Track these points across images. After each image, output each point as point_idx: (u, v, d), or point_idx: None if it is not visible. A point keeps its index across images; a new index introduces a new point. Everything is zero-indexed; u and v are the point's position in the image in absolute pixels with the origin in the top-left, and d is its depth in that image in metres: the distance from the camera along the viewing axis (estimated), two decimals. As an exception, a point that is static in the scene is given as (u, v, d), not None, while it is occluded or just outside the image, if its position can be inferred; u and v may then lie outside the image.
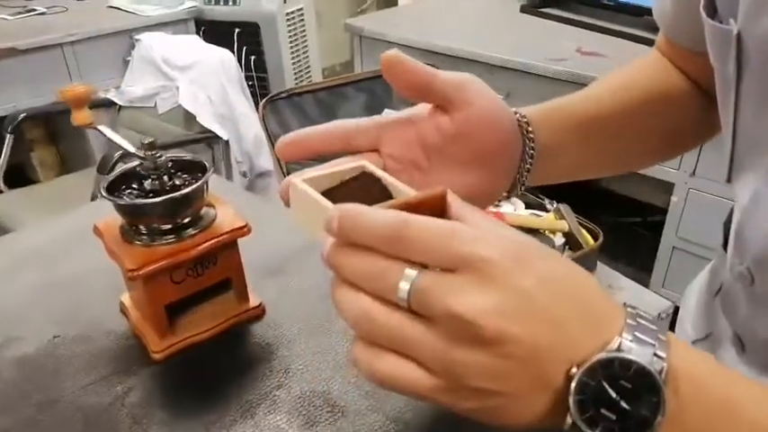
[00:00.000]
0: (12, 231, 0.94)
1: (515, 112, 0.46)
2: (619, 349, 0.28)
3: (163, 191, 0.56)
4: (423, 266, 0.29)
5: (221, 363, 0.58)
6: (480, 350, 0.28)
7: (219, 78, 2.12)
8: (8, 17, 2.40)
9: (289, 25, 2.64)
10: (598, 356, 0.28)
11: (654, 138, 0.55)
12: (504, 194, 0.48)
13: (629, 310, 0.30)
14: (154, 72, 2.18)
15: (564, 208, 1.35)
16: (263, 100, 1.35)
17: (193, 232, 0.56)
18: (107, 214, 0.58)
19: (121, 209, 0.55)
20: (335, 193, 0.38)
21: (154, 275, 0.54)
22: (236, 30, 2.57)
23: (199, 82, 2.09)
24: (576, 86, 0.53)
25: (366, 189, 0.39)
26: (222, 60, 2.13)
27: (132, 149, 0.57)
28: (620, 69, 0.57)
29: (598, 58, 1.71)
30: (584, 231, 1.34)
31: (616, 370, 0.28)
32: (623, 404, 0.28)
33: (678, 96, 0.55)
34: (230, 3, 2.57)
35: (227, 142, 2.15)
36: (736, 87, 0.43)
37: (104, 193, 0.55)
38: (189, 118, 2.10)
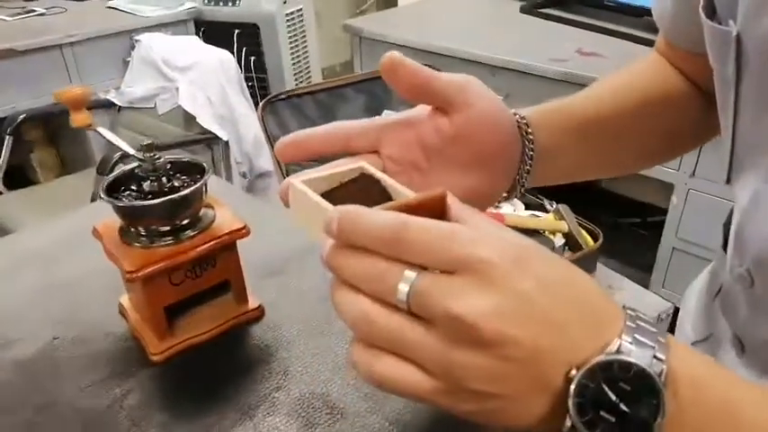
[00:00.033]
0: (12, 232, 0.94)
1: (515, 114, 0.46)
2: (618, 351, 0.28)
3: (161, 192, 0.56)
4: (422, 268, 0.29)
5: (220, 364, 0.58)
6: (479, 352, 0.28)
7: (219, 79, 2.12)
8: (7, 18, 2.40)
9: (288, 26, 2.64)
10: (597, 359, 0.28)
11: (653, 139, 0.55)
12: (504, 196, 0.48)
13: (628, 312, 0.30)
14: (153, 73, 2.19)
15: (564, 209, 1.35)
16: (262, 101, 1.35)
17: (192, 234, 0.56)
18: (107, 216, 0.57)
19: (120, 210, 0.55)
20: (335, 194, 0.38)
21: (152, 277, 0.54)
22: (236, 30, 2.56)
23: (198, 83, 2.09)
24: (576, 87, 0.53)
25: (365, 190, 0.39)
26: (222, 61, 2.14)
27: (131, 151, 0.57)
28: (620, 71, 0.57)
29: (598, 59, 1.71)
30: (583, 232, 1.34)
31: (616, 372, 0.28)
32: (623, 407, 0.28)
33: (678, 98, 0.55)
34: (230, 3, 2.57)
35: (226, 143, 2.15)
36: (736, 88, 0.43)
37: (103, 195, 0.54)
38: (189, 119, 2.10)
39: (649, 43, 1.68)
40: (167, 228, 0.55)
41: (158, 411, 0.53)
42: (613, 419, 0.28)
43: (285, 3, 2.59)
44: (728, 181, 0.48)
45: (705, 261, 0.63)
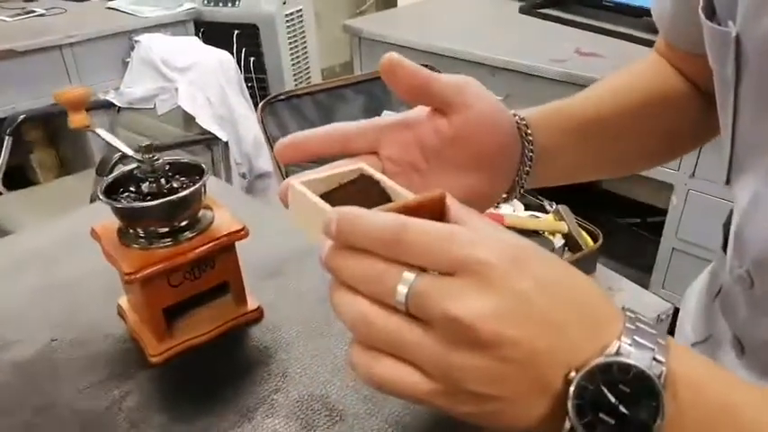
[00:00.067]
0: (11, 233, 0.94)
1: (514, 115, 0.46)
2: (618, 353, 0.28)
3: (160, 194, 0.56)
4: (421, 270, 0.29)
5: (219, 366, 0.58)
6: (478, 354, 0.28)
7: (219, 80, 2.12)
8: (7, 19, 2.40)
9: (288, 26, 2.64)
10: (597, 360, 0.28)
11: (653, 139, 0.55)
12: (504, 197, 0.48)
13: (628, 313, 0.30)
14: (153, 73, 2.19)
15: (563, 209, 1.35)
16: (262, 102, 1.35)
17: (191, 235, 0.56)
18: (106, 217, 0.57)
19: (118, 212, 0.55)
20: (334, 195, 0.38)
21: (151, 279, 0.54)
22: (236, 31, 2.56)
23: (198, 83, 2.09)
24: (575, 87, 0.53)
25: (365, 192, 0.39)
26: (221, 62, 2.14)
27: (129, 152, 0.57)
28: (620, 72, 0.57)
29: (597, 59, 1.71)
30: (583, 233, 1.34)
31: (615, 374, 0.28)
32: (622, 409, 0.28)
33: (677, 98, 0.55)
34: (229, 4, 2.57)
35: (226, 143, 2.15)
36: (735, 89, 0.43)
37: (102, 197, 0.54)
38: (188, 119, 2.10)
39: (648, 43, 1.68)
40: (166, 229, 0.55)
41: (157, 413, 0.53)
42: (613, 421, 0.28)
43: (285, 3, 2.59)
44: (728, 182, 0.48)
45: (705, 262, 0.63)
